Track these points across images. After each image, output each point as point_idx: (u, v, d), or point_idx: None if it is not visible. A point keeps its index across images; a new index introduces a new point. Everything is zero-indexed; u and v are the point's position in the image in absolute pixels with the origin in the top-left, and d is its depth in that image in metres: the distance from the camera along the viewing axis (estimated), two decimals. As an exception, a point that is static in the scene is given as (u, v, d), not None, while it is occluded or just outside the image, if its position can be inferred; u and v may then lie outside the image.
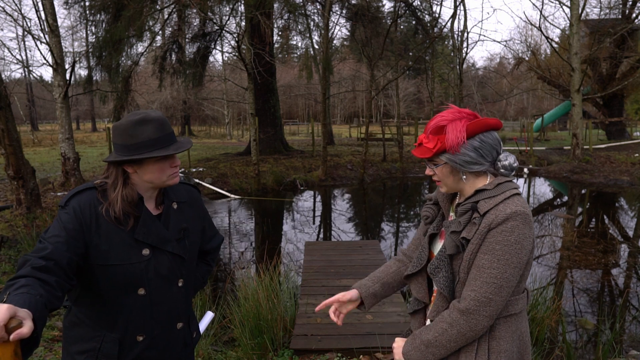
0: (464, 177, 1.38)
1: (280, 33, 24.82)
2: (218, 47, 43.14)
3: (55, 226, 1.34)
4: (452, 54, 18.89)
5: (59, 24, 10.17)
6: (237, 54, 12.84)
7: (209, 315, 1.79)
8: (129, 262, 1.39)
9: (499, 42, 30.41)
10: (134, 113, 1.44)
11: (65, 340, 1.49)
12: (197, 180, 12.10)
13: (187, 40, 17.79)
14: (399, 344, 1.47)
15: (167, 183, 1.48)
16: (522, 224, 1.27)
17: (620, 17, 20.18)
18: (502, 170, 1.39)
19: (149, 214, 1.45)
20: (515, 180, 1.43)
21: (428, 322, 1.48)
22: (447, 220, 1.44)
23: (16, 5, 14.33)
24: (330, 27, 15.75)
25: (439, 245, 1.47)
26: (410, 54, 18.40)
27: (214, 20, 14.58)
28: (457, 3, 15.19)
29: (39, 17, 10.05)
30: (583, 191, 12.23)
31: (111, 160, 1.41)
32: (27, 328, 0.99)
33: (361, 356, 3.27)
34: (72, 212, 1.35)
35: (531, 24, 18.52)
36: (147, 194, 1.48)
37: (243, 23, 13.79)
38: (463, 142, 1.33)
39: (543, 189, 12.92)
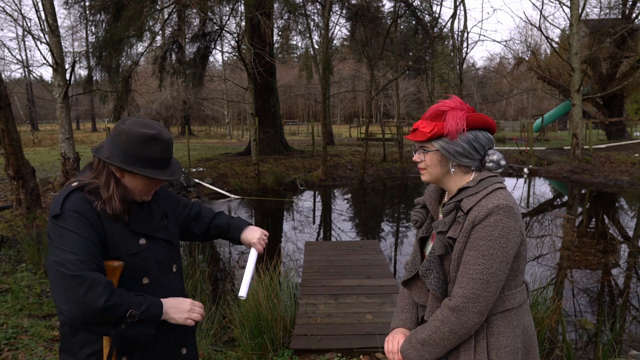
0: (453, 170, 1.38)
1: (280, 33, 24.80)
2: (218, 47, 43.14)
3: (68, 236, 1.29)
4: (452, 54, 18.89)
5: (59, 24, 10.17)
6: (237, 54, 12.85)
7: (254, 253, 1.72)
8: (132, 253, 1.42)
9: (499, 42, 30.46)
10: (147, 124, 1.41)
11: (70, 347, 1.43)
12: (197, 180, 12.09)
13: (187, 40, 17.78)
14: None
15: (142, 198, 1.47)
16: (505, 217, 1.26)
17: (620, 17, 20.17)
18: (489, 164, 1.38)
19: (137, 206, 1.49)
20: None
21: None
22: (435, 222, 1.44)
23: (16, 5, 14.33)
24: (330, 27, 15.74)
25: (430, 248, 1.48)
26: (410, 54, 18.40)
27: (214, 20, 14.58)
28: (457, 3, 15.19)
29: (39, 17, 10.04)
30: (583, 191, 12.23)
31: (105, 159, 1.37)
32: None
33: (361, 356, 3.27)
34: (77, 215, 1.32)
35: (531, 24, 18.55)
36: None
37: (243, 23, 13.79)
38: (462, 131, 1.32)
39: (543, 189, 12.92)
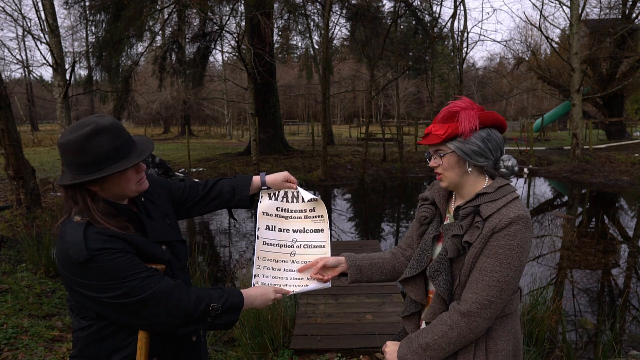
0: (470, 169, 1.38)
1: (280, 33, 24.82)
2: (218, 47, 43.12)
3: (113, 270, 1.22)
4: (452, 54, 18.90)
5: (59, 24, 10.17)
6: (237, 54, 12.85)
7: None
8: (164, 259, 1.39)
9: (499, 42, 30.47)
10: (81, 123, 1.26)
11: (93, 355, 1.36)
12: (196, 180, 12.10)
13: (187, 40, 17.80)
14: (391, 348, 1.45)
15: (138, 190, 1.37)
16: (524, 227, 1.28)
17: (620, 17, 20.17)
18: (503, 170, 1.38)
19: (144, 214, 1.43)
20: (514, 182, 1.45)
21: (423, 324, 1.48)
22: (446, 223, 1.43)
23: (16, 5, 14.31)
24: (330, 27, 15.76)
25: (437, 248, 1.47)
26: (410, 54, 18.41)
27: (214, 20, 14.59)
28: (457, 3, 15.20)
29: (39, 17, 10.05)
30: (583, 191, 12.23)
31: (68, 183, 1.25)
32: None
33: (361, 356, 3.27)
34: (107, 251, 1.22)
35: (531, 24, 18.52)
36: (118, 201, 1.39)
37: (243, 23, 13.81)
38: (475, 129, 1.33)
39: (543, 189, 12.92)
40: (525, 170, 14.86)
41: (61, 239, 1.26)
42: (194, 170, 13.87)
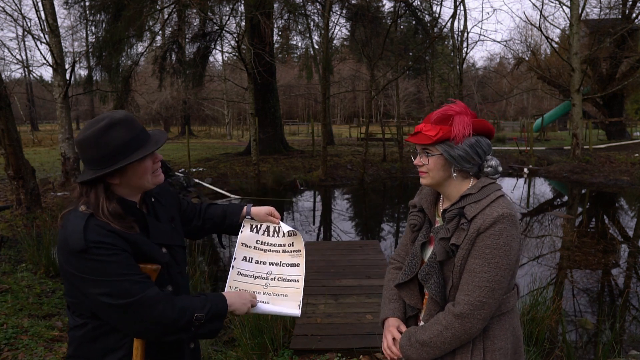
0: (455, 174, 1.38)
1: (280, 33, 24.81)
2: (218, 47, 43.12)
3: (107, 266, 1.23)
4: (452, 54, 18.89)
5: (59, 24, 10.18)
6: (237, 54, 12.85)
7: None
8: (161, 262, 1.39)
9: (499, 42, 30.50)
10: (95, 120, 1.31)
11: (87, 355, 1.36)
12: (197, 180, 12.09)
13: (187, 40, 17.79)
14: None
15: (154, 182, 1.39)
16: (509, 225, 1.28)
17: (620, 17, 20.17)
18: (488, 169, 1.39)
19: (150, 215, 1.44)
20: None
21: (421, 324, 1.49)
22: (435, 227, 1.44)
23: (16, 5, 14.30)
24: (330, 27, 15.77)
25: (428, 252, 1.47)
26: (410, 54, 18.40)
27: (214, 20, 14.60)
28: (457, 3, 15.20)
29: (39, 17, 10.05)
30: (583, 191, 12.23)
31: (89, 178, 1.27)
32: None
33: (361, 356, 3.27)
34: (104, 245, 1.23)
35: (531, 24, 18.52)
36: (133, 197, 1.41)
37: (243, 23, 13.82)
38: (468, 136, 1.34)
39: (543, 189, 12.92)
40: (525, 170, 14.86)
41: (63, 227, 1.28)
42: (194, 170, 13.87)
